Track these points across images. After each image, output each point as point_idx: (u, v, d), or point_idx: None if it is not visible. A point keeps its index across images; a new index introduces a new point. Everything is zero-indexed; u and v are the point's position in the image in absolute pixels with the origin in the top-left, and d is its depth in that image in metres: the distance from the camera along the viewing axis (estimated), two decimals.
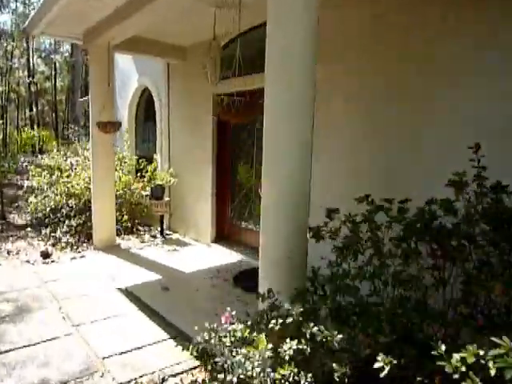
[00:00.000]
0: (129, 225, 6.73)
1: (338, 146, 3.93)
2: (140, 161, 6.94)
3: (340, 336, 1.71)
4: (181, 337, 3.29)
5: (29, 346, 3.13)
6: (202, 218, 6.26)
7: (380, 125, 3.56)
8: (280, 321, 1.97)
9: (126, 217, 6.65)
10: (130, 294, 4.25)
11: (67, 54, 24.14)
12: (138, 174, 6.91)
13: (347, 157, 3.82)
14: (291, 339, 1.89)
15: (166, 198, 6.60)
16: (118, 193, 6.39)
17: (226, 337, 2.14)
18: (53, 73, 25.66)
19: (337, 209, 2.50)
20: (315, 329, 1.79)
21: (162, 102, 6.96)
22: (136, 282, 4.53)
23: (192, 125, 6.26)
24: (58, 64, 25.76)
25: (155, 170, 6.88)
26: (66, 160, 7.35)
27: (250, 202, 5.78)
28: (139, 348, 3.12)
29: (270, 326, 1.99)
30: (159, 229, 6.80)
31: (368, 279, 2.02)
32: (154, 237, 6.61)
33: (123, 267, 5.08)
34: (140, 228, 7.07)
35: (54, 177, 6.77)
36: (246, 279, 4.70)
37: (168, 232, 6.85)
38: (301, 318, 1.88)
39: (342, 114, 3.86)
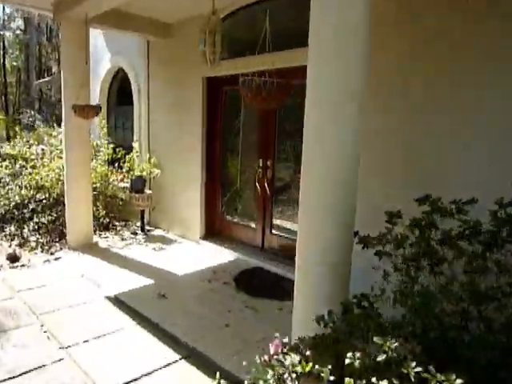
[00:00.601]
0: (106, 220, 6.10)
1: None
2: (117, 150, 6.27)
3: (460, 381, 1.35)
4: (194, 357, 2.85)
5: (8, 379, 2.57)
6: (189, 213, 5.74)
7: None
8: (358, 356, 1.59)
9: (102, 212, 6.01)
10: (121, 303, 3.72)
11: (19, 32, 22.17)
12: (116, 165, 6.25)
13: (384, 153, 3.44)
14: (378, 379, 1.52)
15: (148, 191, 6.01)
16: (94, 185, 5.73)
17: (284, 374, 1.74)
18: (1, 52, 23.52)
19: (398, 212, 2.13)
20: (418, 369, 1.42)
21: (141, 85, 6.30)
22: (125, 289, 3.99)
23: (178, 111, 5.68)
24: (7, 42, 23.62)
25: (133, 159, 6.25)
26: (29, 148, 6.53)
27: (245, 195, 5.34)
28: (149, 374, 2.64)
29: (348, 361, 1.60)
30: (139, 224, 6.22)
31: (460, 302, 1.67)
32: (135, 233, 6.02)
33: (107, 270, 4.51)
34: (117, 224, 6.45)
35: (17, 167, 5.98)
36: (248, 282, 4.29)
37: (149, 228, 6.27)
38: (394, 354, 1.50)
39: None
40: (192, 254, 5.19)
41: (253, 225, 5.20)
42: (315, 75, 2.14)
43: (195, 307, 3.66)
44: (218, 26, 4.07)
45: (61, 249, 5.19)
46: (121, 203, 6.35)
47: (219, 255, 5.12)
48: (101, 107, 4.69)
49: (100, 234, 5.89)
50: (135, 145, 6.37)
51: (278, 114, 4.69)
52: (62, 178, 5.52)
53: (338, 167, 2.14)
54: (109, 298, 3.82)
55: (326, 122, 2.11)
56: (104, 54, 6.96)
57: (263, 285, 4.23)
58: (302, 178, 2.30)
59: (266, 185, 4.85)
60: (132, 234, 6.02)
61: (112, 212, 6.32)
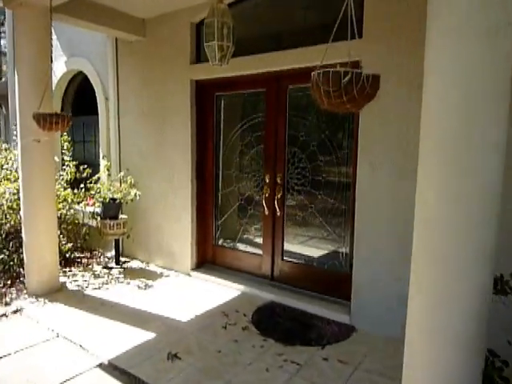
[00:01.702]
0: (73, 254, 5.05)
1: None
2: (81, 168, 5.24)
3: None
4: None
5: None
6: (176, 240, 4.87)
7: None
8: None
9: (68, 244, 4.95)
10: (122, 373, 2.81)
11: None
12: (82, 186, 5.21)
13: None
14: None
15: (123, 216, 5.06)
16: (59, 212, 4.68)
17: None
18: None
19: None
20: None
21: (109, 91, 5.35)
22: (121, 349, 3.08)
23: (158, 120, 4.81)
24: None
25: (102, 180, 5.27)
26: None
27: (247, 217, 4.59)
28: None
29: None
30: (109, 255, 5.25)
31: None
32: (108, 267, 5.02)
33: (88, 324, 3.53)
34: (82, 255, 5.40)
35: None
36: (270, 324, 3.55)
37: (124, 259, 5.30)
38: None
39: None
40: (187, 291, 4.34)
41: (259, 251, 4.46)
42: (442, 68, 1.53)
43: (224, 371, 2.84)
44: (226, 16, 3.38)
45: (18, 296, 4.09)
46: (88, 231, 5.33)
47: (221, 290, 4.31)
48: (70, 117, 3.71)
49: (65, 271, 4.82)
50: (103, 162, 5.39)
51: (288, 121, 4.06)
52: (16, 205, 4.43)
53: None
54: (103, 367, 2.89)
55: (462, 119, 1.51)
56: (57, 55, 5.90)
57: (290, 327, 3.51)
58: (421, 205, 1.67)
59: (275, 204, 4.16)
60: (105, 268, 5.01)
61: (76, 242, 5.27)
